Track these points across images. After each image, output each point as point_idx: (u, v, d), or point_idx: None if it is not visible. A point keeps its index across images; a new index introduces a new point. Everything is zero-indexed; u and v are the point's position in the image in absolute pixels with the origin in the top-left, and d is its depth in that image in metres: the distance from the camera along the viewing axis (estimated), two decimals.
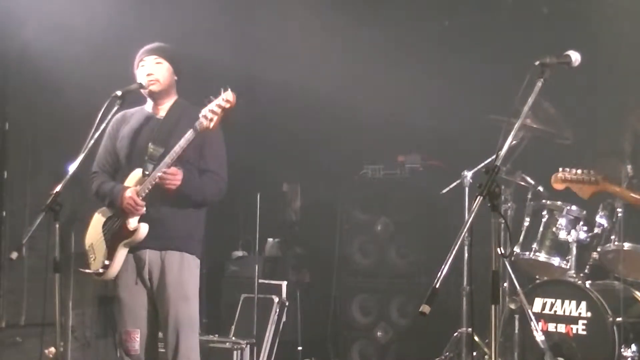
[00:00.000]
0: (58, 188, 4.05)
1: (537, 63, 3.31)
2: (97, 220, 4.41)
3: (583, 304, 5.02)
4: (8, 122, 6.17)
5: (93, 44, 6.07)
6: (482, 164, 5.28)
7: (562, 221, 5.35)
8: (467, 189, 5.69)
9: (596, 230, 5.26)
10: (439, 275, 2.79)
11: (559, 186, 4.78)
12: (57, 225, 4.04)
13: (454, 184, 5.80)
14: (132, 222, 4.23)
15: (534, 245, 5.44)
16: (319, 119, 7.20)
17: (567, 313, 5.08)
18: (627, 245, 5.04)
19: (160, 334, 4.35)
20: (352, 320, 6.93)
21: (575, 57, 3.46)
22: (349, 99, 7.05)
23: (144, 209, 4.21)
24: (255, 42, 6.52)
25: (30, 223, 4.03)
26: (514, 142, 5.16)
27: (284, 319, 6.55)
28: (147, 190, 4.18)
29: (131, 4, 6.10)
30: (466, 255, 5.42)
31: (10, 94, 6.21)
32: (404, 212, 6.81)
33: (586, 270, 5.30)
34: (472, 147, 5.85)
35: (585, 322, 5.01)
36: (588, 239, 5.31)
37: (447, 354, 5.79)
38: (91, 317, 6.44)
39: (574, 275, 5.24)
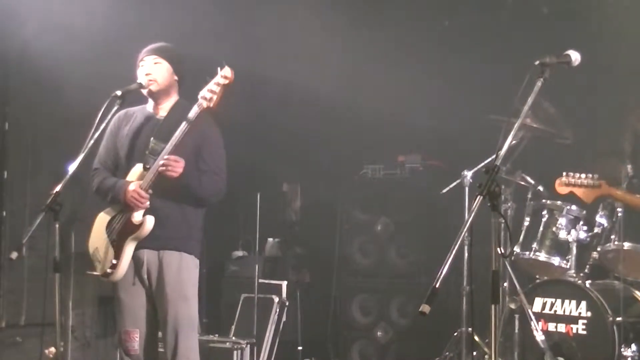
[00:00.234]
0: (58, 188, 4.04)
1: (536, 63, 3.31)
2: (99, 225, 4.39)
3: (583, 303, 5.03)
4: (8, 122, 6.17)
5: (93, 43, 6.06)
6: (482, 164, 5.28)
7: (562, 221, 5.35)
8: (467, 189, 5.69)
9: (596, 229, 5.26)
10: (438, 275, 2.79)
11: (562, 190, 4.79)
12: (57, 225, 4.03)
13: (454, 183, 5.80)
14: (137, 216, 4.22)
15: (534, 245, 5.44)
16: (319, 119, 7.20)
17: (567, 313, 5.08)
18: (627, 245, 5.04)
19: (160, 334, 4.35)
20: (352, 320, 6.93)
21: (575, 56, 3.46)
22: (349, 98, 7.06)
23: (148, 202, 4.20)
24: (256, 42, 6.52)
25: (30, 223, 4.02)
26: (514, 141, 5.17)
27: (284, 318, 6.55)
28: (149, 182, 4.17)
29: (131, 3, 6.10)
30: (466, 255, 5.43)
31: (11, 94, 6.21)
32: (404, 212, 6.81)
33: (586, 270, 5.30)
34: (472, 147, 5.85)
35: (585, 321, 5.01)
36: (588, 239, 5.31)
37: (447, 353, 5.79)
38: (91, 317, 6.44)
39: (574, 275, 5.25)
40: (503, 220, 3.44)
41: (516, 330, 5.26)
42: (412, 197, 6.81)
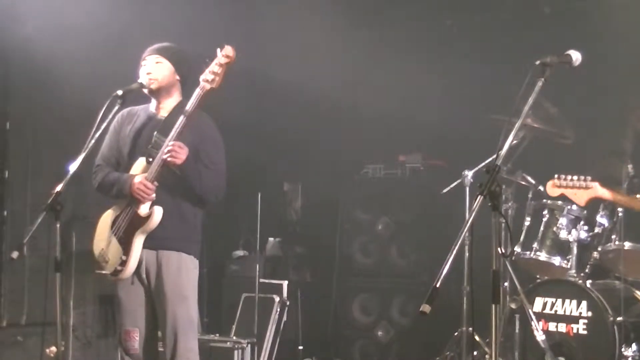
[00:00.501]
0: (59, 188, 4.04)
1: (537, 62, 3.31)
2: (103, 226, 4.38)
3: (584, 303, 5.03)
4: (9, 121, 6.17)
5: (94, 43, 6.07)
6: (483, 164, 5.27)
7: (562, 221, 5.35)
8: (467, 189, 5.69)
9: (597, 229, 5.26)
10: (439, 274, 2.79)
11: (554, 192, 4.77)
12: (58, 225, 4.03)
13: (455, 183, 5.80)
14: (144, 208, 4.21)
15: (535, 245, 5.44)
16: (320, 119, 7.20)
17: (567, 313, 5.08)
18: (627, 245, 5.04)
19: (160, 334, 4.35)
20: (353, 319, 6.93)
21: (576, 56, 3.46)
22: (350, 98, 7.06)
23: (154, 194, 4.19)
24: (256, 41, 6.52)
25: (31, 222, 4.02)
26: (515, 141, 5.16)
27: (284, 318, 6.55)
28: (154, 173, 4.16)
29: (132, 3, 6.10)
30: (467, 254, 5.42)
31: (11, 94, 6.21)
32: (404, 212, 6.82)
33: (587, 270, 5.30)
34: (473, 146, 5.84)
35: (585, 321, 5.01)
36: (589, 239, 5.31)
37: (448, 353, 5.79)
38: (92, 317, 6.44)
39: (575, 275, 5.25)
40: (504, 220, 3.44)
41: (517, 330, 5.26)
42: (412, 197, 6.81)
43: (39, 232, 4.04)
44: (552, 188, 4.75)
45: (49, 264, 4.86)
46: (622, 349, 4.90)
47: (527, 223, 5.55)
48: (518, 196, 5.70)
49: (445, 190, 5.90)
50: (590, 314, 5.00)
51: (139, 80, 4.38)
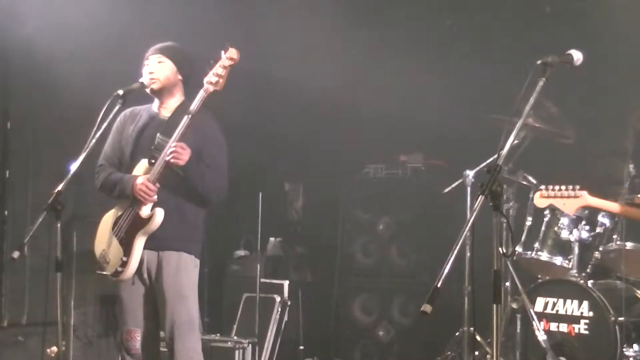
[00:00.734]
0: (60, 187, 4.04)
1: (538, 62, 3.31)
2: (104, 227, 4.38)
3: (585, 303, 5.02)
4: (10, 121, 6.17)
5: (95, 43, 6.07)
6: (484, 164, 5.27)
7: (564, 220, 5.35)
8: (469, 189, 5.69)
9: (598, 229, 5.25)
10: (440, 274, 2.79)
11: (542, 203, 4.73)
12: (59, 225, 4.03)
13: (456, 183, 5.80)
14: (145, 210, 4.21)
15: (536, 245, 5.44)
16: (320, 119, 7.20)
17: (569, 312, 5.08)
18: (629, 245, 5.03)
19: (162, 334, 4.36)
20: (354, 319, 6.93)
21: (577, 56, 3.46)
22: (351, 98, 7.06)
23: (156, 195, 4.20)
24: (257, 41, 6.52)
25: (32, 222, 4.03)
26: (516, 141, 5.17)
27: (285, 318, 6.55)
28: (156, 175, 4.17)
29: (133, 2, 6.10)
30: (468, 254, 5.42)
31: (12, 93, 6.21)
32: (405, 212, 6.82)
33: (588, 270, 5.29)
34: (474, 146, 5.84)
35: (587, 321, 5.00)
36: (590, 239, 5.30)
37: (449, 353, 5.79)
38: (93, 316, 6.44)
39: (576, 275, 5.24)
40: (505, 220, 3.43)
41: (518, 330, 5.25)
42: (413, 197, 6.81)
43: (40, 232, 4.05)
44: (539, 199, 4.69)
45: (49, 263, 4.87)
46: (624, 349, 4.89)
47: (528, 223, 5.55)
48: (519, 196, 5.70)
49: (446, 190, 5.90)
50: (591, 314, 4.99)
51: (140, 80, 4.38)
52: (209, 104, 4.22)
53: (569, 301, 5.08)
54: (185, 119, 4.14)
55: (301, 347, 6.68)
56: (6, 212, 6.13)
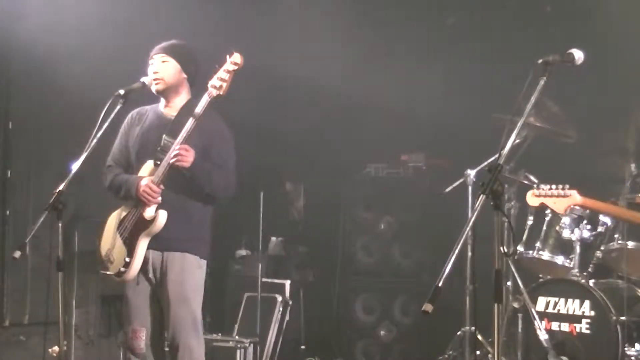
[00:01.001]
0: (61, 187, 4.05)
1: (540, 61, 3.31)
2: (110, 225, 4.40)
3: (586, 302, 5.02)
4: (11, 121, 6.18)
5: (97, 42, 6.07)
6: (486, 163, 5.26)
7: (565, 220, 5.34)
8: (470, 188, 5.68)
9: (600, 228, 5.25)
10: (442, 273, 2.79)
11: (534, 202, 4.81)
12: (61, 224, 4.04)
13: (457, 182, 5.79)
14: (149, 211, 4.23)
15: (538, 244, 5.44)
16: (322, 118, 7.19)
17: (570, 312, 5.08)
18: (630, 244, 5.03)
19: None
20: (355, 319, 6.92)
21: (578, 55, 3.46)
22: (352, 97, 7.05)
23: (160, 197, 4.20)
24: (257, 41, 6.52)
25: (33, 222, 4.03)
26: (517, 140, 5.16)
27: (287, 317, 6.55)
28: (161, 177, 4.18)
29: (135, 1, 6.10)
30: (469, 254, 5.42)
31: (14, 93, 6.21)
32: (407, 211, 6.81)
33: (590, 269, 5.29)
34: (475, 146, 5.84)
35: (588, 321, 5.00)
36: (592, 238, 5.30)
37: (451, 352, 5.78)
38: (95, 316, 6.44)
39: (578, 274, 5.24)
40: (506, 219, 3.43)
41: (519, 330, 5.25)
42: (415, 196, 6.81)
43: (42, 232, 4.05)
44: (532, 198, 4.79)
45: (51, 263, 4.85)
46: (625, 348, 4.89)
47: (529, 222, 5.55)
48: (520, 195, 5.68)
49: (447, 190, 5.89)
50: (593, 313, 4.99)
51: (141, 80, 4.39)
52: (212, 103, 4.22)
53: (570, 300, 5.08)
54: (190, 122, 4.15)
55: (302, 347, 6.68)
56: (8, 212, 6.13)
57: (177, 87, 4.41)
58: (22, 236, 4.96)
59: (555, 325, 5.12)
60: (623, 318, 4.91)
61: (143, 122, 4.44)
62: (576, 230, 5.30)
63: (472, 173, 5.69)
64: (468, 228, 2.94)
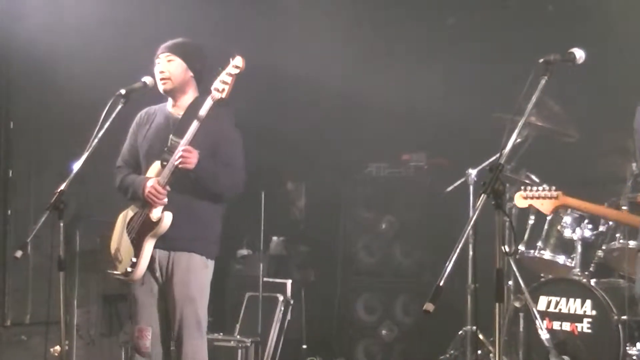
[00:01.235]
0: (63, 186, 4.04)
1: (541, 61, 3.31)
2: (120, 224, 4.41)
3: (588, 302, 5.02)
4: (12, 120, 6.18)
5: (97, 42, 6.07)
6: (487, 162, 5.27)
7: (567, 219, 5.35)
8: (471, 187, 5.68)
9: (601, 228, 5.26)
10: (443, 273, 2.79)
11: (522, 204, 4.86)
12: (62, 224, 4.03)
13: (459, 182, 5.79)
14: (155, 213, 4.23)
15: (539, 244, 5.44)
16: (323, 118, 7.19)
17: (572, 311, 5.08)
18: (632, 243, 5.02)
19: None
20: (356, 318, 6.93)
21: (579, 54, 3.46)
22: (353, 97, 7.05)
23: (166, 198, 4.21)
24: (258, 40, 6.52)
25: (35, 221, 4.04)
26: (519, 140, 5.17)
27: (288, 317, 6.54)
28: (167, 178, 4.18)
29: (135, 1, 6.10)
30: (471, 253, 5.42)
31: (15, 93, 6.22)
32: (408, 211, 6.81)
33: (591, 269, 5.29)
34: (476, 145, 5.84)
35: (590, 320, 5.01)
36: (593, 237, 5.30)
37: (452, 352, 5.78)
38: (96, 316, 6.44)
39: (579, 274, 5.24)
40: (507, 219, 3.43)
41: (521, 329, 5.26)
42: (416, 196, 6.81)
43: (43, 231, 4.05)
44: (520, 199, 4.86)
45: (52, 263, 4.86)
46: (627, 348, 4.89)
47: (531, 221, 5.55)
48: None
49: (449, 189, 5.89)
50: (594, 312, 4.99)
51: (143, 79, 4.39)
52: (216, 106, 4.22)
53: (571, 300, 5.08)
54: (194, 125, 4.15)
55: (304, 346, 6.67)
56: (9, 212, 6.13)
57: (183, 86, 4.41)
58: (23, 236, 4.96)
59: (556, 325, 5.12)
60: (624, 317, 4.91)
61: (151, 122, 4.45)
62: (577, 229, 5.30)
63: (473, 172, 5.69)
64: (469, 227, 2.94)
